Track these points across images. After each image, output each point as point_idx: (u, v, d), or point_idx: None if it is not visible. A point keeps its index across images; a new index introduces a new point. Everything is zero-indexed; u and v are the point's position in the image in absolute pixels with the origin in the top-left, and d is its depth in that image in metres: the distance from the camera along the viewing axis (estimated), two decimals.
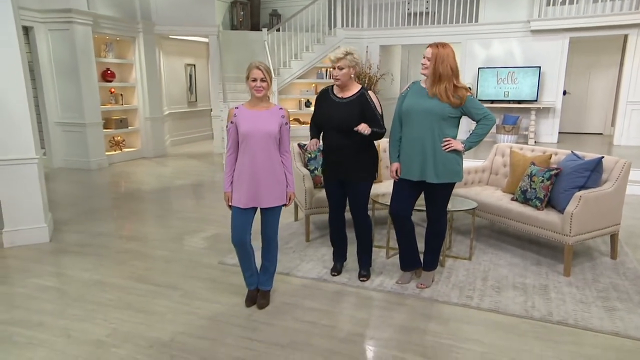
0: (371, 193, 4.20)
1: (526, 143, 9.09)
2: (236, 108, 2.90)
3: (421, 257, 3.40)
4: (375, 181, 4.52)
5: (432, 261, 3.35)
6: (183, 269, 3.68)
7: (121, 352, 2.55)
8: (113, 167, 8.10)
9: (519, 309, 3.02)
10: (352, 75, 3.18)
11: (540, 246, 4.12)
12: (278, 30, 9.46)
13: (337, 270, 3.54)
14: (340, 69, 3.11)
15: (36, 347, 2.59)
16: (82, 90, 7.64)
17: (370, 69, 9.49)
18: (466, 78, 9.54)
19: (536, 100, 9.03)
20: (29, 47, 7.66)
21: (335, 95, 3.24)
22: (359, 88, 3.22)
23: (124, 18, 8.41)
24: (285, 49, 9.47)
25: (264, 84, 2.81)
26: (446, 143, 3.00)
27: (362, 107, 3.14)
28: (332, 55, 3.19)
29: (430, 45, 2.96)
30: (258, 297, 3.08)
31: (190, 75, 11.06)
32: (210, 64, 9.38)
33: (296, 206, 4.78)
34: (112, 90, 8.64)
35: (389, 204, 3.85)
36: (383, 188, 4.31)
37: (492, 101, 9.30)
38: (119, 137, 8.81)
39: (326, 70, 9.82)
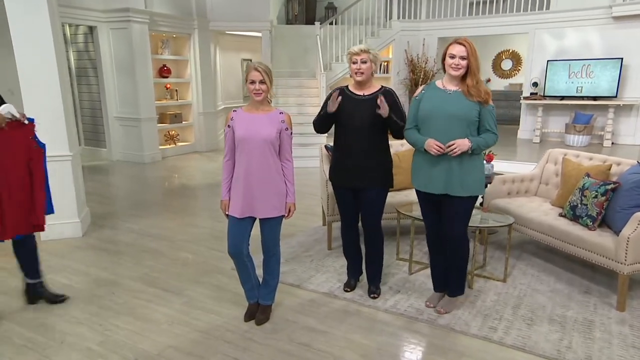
0: (400, 201, 3.91)
1: (601, 144, 8.13)
2: (234, 111, 2.74)
3: None
4: (394, 189, 4.20)
5: (454, 285, 2.97)
6: (195, 274, 3.61)
7: None
8: (165, 161, 8.34)
9: (551, 348, 2.57)
10: (373, 73, 2.96)
11: (595, 270, 3.55)
12: (331, 23, 9.21)
13: (350, 286, 3.28)
14: (364, 62, 2.89)
15: (29, 351, 2.60)
16: (137, 87, 7.92)
17: (426, 62, 8.97)
18: (533, 72, 8.71)
19: (616, 97, 8.03)
20: (93, 46, 8.09)
21: (354, 93, 2.98)
22: (379, 86, 3.02)
23: (180, 15, 8.59)
24: (338, 42, 9.21)
25: (263, 87, 2.61)
26: (453, 147, 2.60)
27: (391, 105, 2.90)
28: (354, 48, 2.94)
29: (457, 43, 2.63)
30: (258, 311, 2.90)
31: None
32: (262, 59, 9.34)
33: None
34: (168, 86, 8.89)
35: (410, 213, 3.55)
36: (413, 196, 3.94)
37: (562, 97, 8.41)
38: (173, 132, 9.06)
39: (380, 65, 9.44)
